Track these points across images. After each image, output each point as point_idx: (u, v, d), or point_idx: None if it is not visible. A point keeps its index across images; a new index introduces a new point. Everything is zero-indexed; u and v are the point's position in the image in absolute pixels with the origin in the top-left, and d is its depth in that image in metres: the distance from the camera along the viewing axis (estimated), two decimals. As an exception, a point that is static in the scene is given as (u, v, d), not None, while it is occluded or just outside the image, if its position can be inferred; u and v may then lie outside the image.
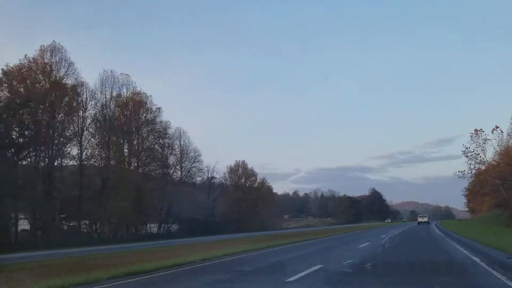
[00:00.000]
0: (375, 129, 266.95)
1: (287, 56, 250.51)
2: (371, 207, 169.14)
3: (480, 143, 44.07)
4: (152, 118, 52.94)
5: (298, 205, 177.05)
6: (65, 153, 41.61)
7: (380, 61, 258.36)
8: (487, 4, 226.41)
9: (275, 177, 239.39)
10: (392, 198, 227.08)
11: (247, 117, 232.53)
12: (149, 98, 52.36)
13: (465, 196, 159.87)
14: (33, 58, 39.94)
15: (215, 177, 74.68)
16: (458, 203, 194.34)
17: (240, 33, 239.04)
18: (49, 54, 40.84)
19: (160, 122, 54.29)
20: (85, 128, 44.75)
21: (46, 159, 40.02)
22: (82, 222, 44.30)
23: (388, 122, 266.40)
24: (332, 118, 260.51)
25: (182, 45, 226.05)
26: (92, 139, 46.20)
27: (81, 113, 44.53)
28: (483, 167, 45.39)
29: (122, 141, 50.01)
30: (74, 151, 43.19)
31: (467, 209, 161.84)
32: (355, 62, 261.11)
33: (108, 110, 48.05)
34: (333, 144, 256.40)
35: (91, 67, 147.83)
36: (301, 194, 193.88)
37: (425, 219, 68.64)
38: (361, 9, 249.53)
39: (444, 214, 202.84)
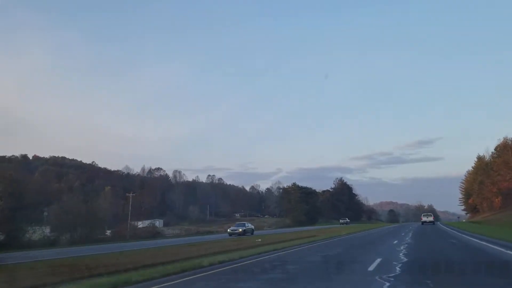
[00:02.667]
0: (356, 130, 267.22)
1: (270, 56, 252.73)
2: (336, 203, 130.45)
3: None
4: None
5: (257, 203, 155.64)
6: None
7: (361, 63, 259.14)
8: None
9: (256, 176, 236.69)
10: (371, 199, 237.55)
11: (228, 117, 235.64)
12: None
13: (461, 192, 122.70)
14: None
15: None
16: (439, 204, 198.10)
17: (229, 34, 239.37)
18: None
19: None
20: None
21: None
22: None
23: (370, 123, 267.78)
24: (314, 119, 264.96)
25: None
26: None
27: None
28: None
29: None
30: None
31: (463, 207, 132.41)
32: (337, 64, 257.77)
33: None
34: (315, 144, 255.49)
35: None
36: (262, 189, 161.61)
37: (430, 219, 63.43)
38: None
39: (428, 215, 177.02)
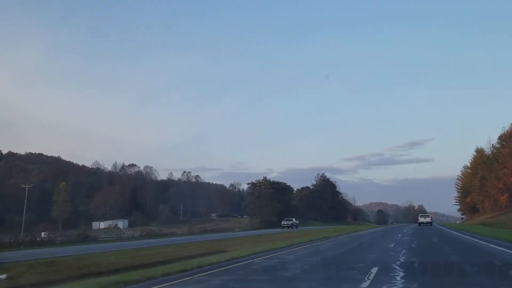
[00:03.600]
0: (348, 131, 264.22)
1: (260, 59, 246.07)
2: (317, 202, 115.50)
3: None
4: None
5: (237, 202, 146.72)
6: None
7: (352, 64, 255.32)
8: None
9: (246, 176, 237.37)
10: (362, 199, 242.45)
11: (219, 119, 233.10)
12: None
13: (457, 190, 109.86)
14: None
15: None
16: (430, 205, 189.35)
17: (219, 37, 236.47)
18: None
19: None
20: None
21: None
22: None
23: (361, 124, 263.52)
24: (306, 120, 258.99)
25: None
26: None
27: None
28: None
29: None
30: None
31: (459, 206, 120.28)
32: (327, 65, 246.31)
33: None
34: (307, 145, 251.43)
35: None
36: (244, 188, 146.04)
37: (428, 219, 59.23)
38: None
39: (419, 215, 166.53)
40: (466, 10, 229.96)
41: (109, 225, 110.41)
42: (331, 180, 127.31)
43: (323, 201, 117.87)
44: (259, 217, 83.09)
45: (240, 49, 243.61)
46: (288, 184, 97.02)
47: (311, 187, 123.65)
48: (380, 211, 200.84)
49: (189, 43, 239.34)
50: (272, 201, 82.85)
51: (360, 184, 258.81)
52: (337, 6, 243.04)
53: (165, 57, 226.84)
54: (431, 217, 63.96)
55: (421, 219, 59.71)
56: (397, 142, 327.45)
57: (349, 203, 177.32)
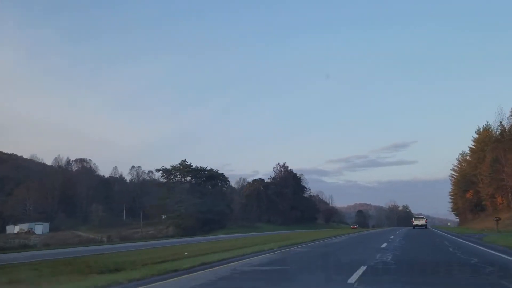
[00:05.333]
0: (333, 134, 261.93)
1: (245, 60, 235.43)
2: (273, 199, 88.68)
3: None
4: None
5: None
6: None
7: (338, 66, 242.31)
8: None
9: (232, 178, 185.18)
10: (346, 201, 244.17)
11: (203, 121, 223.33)
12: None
13: (453, 183, 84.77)
14: None
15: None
16: (414, 207, 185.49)
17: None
18: None
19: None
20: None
21: None
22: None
23: (347, 127, 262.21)
24: (292, 121, 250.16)
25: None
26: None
27: None
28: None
29: None
30: None
31: (451, 207, 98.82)
32: (312, 67, 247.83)
33: None
34: (293, 147, 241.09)
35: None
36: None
37: (422, 222, 56.11)
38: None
39: (403, 217, 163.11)
40: (451, 11, 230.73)
41: (21, 229, 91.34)
42: (294, 172, 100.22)
43: (282, 198, 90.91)
44: (170, 220, 55.51)
45: (223, 51, 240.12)
46: (221, 172, 68.86)
47: (269, 180, 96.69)
48: (360, 211, 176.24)
49: (174, 44, 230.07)
50: (190, 197, 55.15)
51: (345, 186, 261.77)
52: (314, 7, 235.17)
53: (150, 59, 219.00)
54: (426, 219, 60.43)
55: (415, 222, 57.28)
56: (381, 144, 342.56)
57: (325, 202, 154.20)
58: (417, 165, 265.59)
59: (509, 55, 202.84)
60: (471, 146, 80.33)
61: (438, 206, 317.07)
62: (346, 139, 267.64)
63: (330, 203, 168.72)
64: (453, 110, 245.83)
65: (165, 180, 63.92)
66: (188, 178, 60.24)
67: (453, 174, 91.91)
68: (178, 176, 60.23)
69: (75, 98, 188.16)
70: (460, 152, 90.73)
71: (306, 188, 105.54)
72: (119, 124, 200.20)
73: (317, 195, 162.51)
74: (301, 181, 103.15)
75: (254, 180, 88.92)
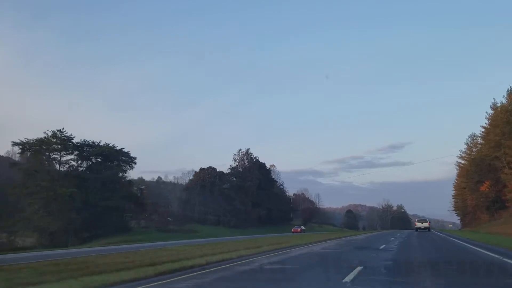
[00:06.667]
0: (329, 134, 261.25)
1: (240, 62, 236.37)
2: (227, 194, 68.39)
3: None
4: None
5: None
6: None
7: (333, 67, 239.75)
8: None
9: None
10: (341, 202, 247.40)
11: (201, 119, 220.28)
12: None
13: (459, 175, 66.37)
14: None
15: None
16: (410, 208, 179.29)
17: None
18: None
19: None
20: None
21: None
22: None
23: (342, 127, 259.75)
24: (288, 122, 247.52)
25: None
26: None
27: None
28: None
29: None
30: None
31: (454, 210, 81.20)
32: (308, 68, 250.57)
33: None
34: (289, 148, 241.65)
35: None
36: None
37: (425, 224, 53.98)
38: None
39: (398, 218, 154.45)
40: (451, 11, 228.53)
41: None
42: (260, 160, 79.72)
43: (242, 193, 70.73)
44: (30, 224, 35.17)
45: (217, 53, 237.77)
46: (126, 151, 48.12)
47: (229, 171, 76.33)
48: (350, 211, 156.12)
49: (166, 46, 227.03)
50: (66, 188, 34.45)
51: (340, 187, 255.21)
52: (314, 7, 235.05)
53: (144, 59, 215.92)
54: (430, 222, 56.19)
55: (418, 224, 54.94)
56: (377, 145, 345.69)
57: (311, 201, 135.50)
58: (413, 166, 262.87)
59: (506, 57, 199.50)
60: (485, 125, 60.19)
61: (434, 207, 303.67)
62: (342, 140, 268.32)
63: (317, 202, 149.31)
64: (449, 111, 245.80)
65: (25, 161, 43.46)
66: (68, 157, 40.50)
67: (460, 163, 71.77)
68: (54, 154, 40.27)
69: (74, 98, 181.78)
70: (469, 134, 71.12)
71: (275, 181, 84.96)
72: (118, 124, 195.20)
73: (302, 194, 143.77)
74: (270, 173, 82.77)
75: (201, 169, 68.49)
